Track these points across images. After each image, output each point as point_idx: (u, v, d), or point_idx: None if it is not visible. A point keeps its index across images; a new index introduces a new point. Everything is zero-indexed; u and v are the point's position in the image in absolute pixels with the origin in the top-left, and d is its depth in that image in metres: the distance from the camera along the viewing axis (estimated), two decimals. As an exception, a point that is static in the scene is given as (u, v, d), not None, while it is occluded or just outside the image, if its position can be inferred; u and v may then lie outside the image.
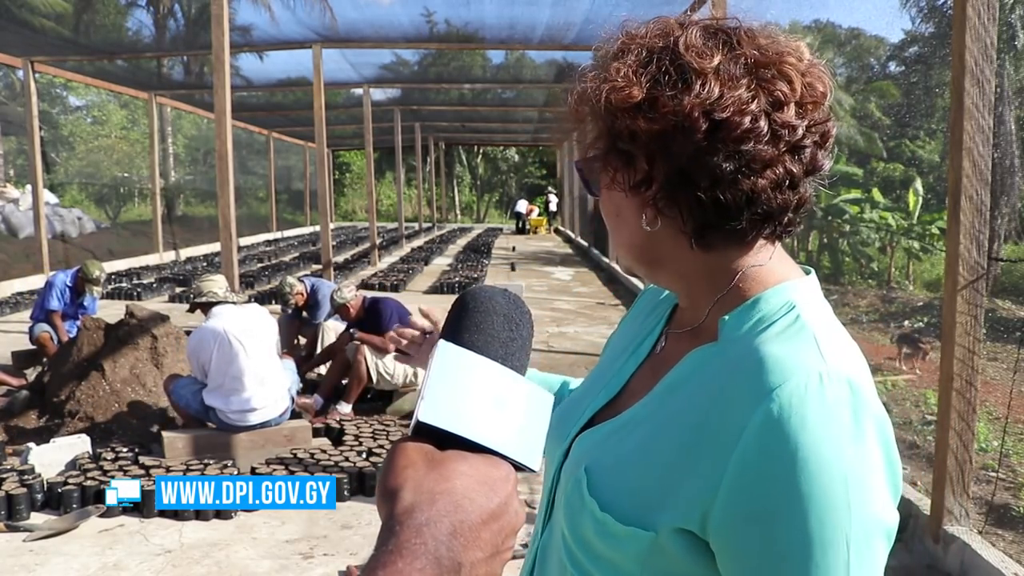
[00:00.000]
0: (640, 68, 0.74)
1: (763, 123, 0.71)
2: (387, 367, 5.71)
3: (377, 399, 5.97)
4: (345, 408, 5.63)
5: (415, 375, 5.83)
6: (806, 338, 0.71)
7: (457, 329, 0.61)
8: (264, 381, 4.69)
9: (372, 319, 5.84)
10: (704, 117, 0.71)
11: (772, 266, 0.79)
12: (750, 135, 0.71)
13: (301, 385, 5.75)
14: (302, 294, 6.78)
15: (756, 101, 0.71)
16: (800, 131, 0.73)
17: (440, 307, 1.18)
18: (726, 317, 0.77)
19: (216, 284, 4.87)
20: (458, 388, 0.56)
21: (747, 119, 0.71)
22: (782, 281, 0.78)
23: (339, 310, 5.95)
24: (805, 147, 0.74)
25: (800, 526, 0.64)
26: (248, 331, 4.68)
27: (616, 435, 0.79)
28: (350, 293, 5.90)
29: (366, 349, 5.67)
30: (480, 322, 0.61)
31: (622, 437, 0.78)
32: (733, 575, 0.69)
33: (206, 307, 4.80)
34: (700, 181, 0.73)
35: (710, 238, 0.76)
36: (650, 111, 0.72)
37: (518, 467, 0.57)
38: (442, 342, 0.59)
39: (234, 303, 4.86)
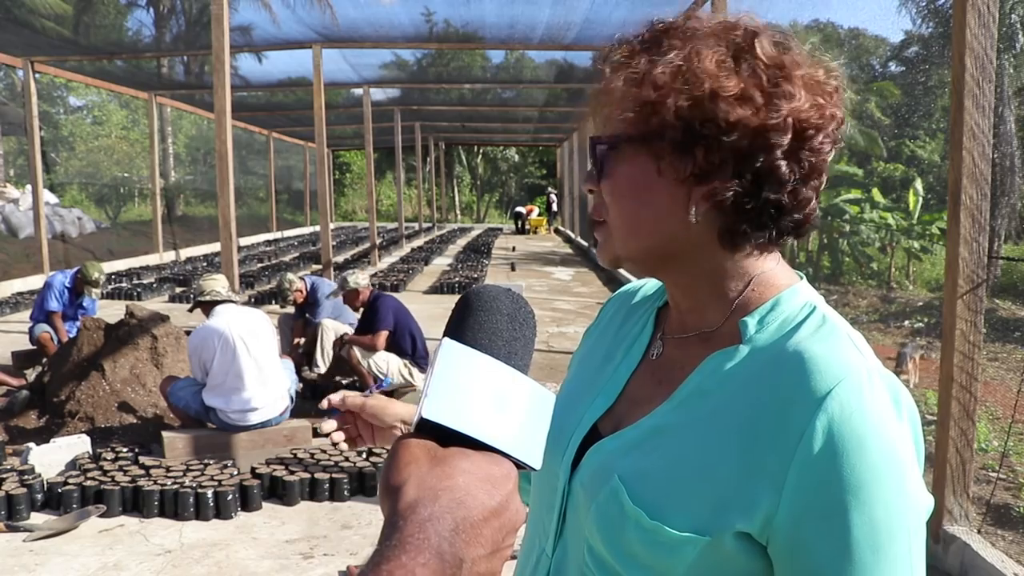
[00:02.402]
0: (731, 61, 0.74)
1: (827, 139, 0.77)
2: (379, 366, 5.72)
3: (377, 399, 5.98)
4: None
5: (410, 375, 5.85)
6: (842, 337, 0.74)
7: (461, 328, 0.61)
8: (265, 381, 4.69)
9: (370, 314, 5.87)
10: (793, 125, 0.73)
11: (779, 269, 0.82)
12: (819, 148, 0.76)
13: (300, 385, 5.76)
14: (301, 291, 6.78)
15: (829, 118, 0.77)
16: (829, 149, 0.78)
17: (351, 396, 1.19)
18: (746, 319, 0.78)
19: (218, 283, 4.89)
20: (461, 386, 0.56)
21: (821, 134, 0.75)
22: (791, 284, 0.81)
23: (348, 295, 6.00)
24: (826, 162, 0.79)
25: (870, 519, 0.67)
26: (251, 331, 4.70)
27: (647, 443, 0.77)
28: (365, 280, 5.95)
29: (356, 350, 5.71)
30: (484, 321, 0.61)
31: (655, 445, 0.77)
32: (804, 572, 0.69)
33: (208, 306, 4.81)
34: (768, 184, 0.75)
35: (749, 239, 0.78)
36: (749, 106, 0.73)
37: (520, 465, 0.58)
38: (447, 340, 0.59)
39: (236, 303, 4.88)
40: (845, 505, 0.67)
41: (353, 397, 1.17)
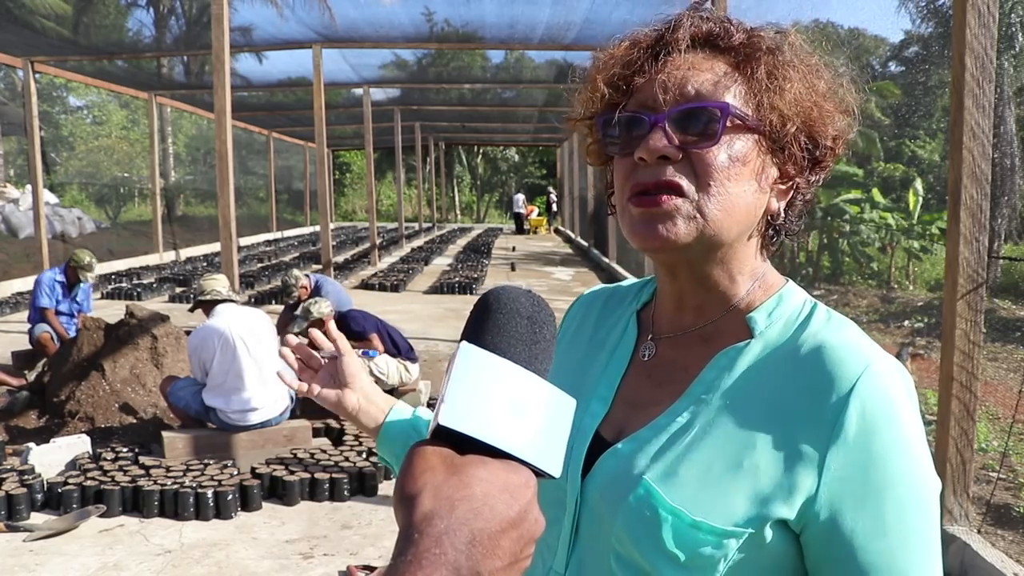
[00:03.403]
0: (834, 84, 0.81)
1: None
2: (380, 368, 5.72)
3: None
4: None
5: (408, 372, 5.85)
6: (853, 328, 0.78)
7: (480, 331, 0.59)
8: (265, 381, 4.69)
9: (346, 329, 5.80)
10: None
11: (771, 269, 0.85)
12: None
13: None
14: (306, 288, 6.82)
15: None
16: None
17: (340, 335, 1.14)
18: (754, 315, 0.80)
19: (219, 283, 4.89)
20: (480, 391, 0.55)
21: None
22: (784, 282, 0.84)
23: (313, 325, 5.82)
24: None
25: (900, 497, 0.71)
26: (251, 331, 4.70)
27: (673, 444, 0.77)
28: (327, 308, 5.84)
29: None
30: (503, 324, 0.59)
31: (681, 444, 0.76)
32: (837, 555, 0.72)
33: (208, 306, 4.81)
34: (812, 190, 0.83)
35: (776, 242, 0.84)
36: (841, 122, 0.80)
37: (538, 473, 0.56)
38: (465, 344, 0.57)
39: (236, 302, 4.89)
40: (878, 485, 0.70)
41: (345, 343, 1.13)
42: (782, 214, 0.81)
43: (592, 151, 0.85)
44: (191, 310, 5.10)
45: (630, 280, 0.99)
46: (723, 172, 0.75)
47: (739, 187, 0.76)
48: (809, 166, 0.80)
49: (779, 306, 0.81)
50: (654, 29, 0.80)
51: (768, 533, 0.72)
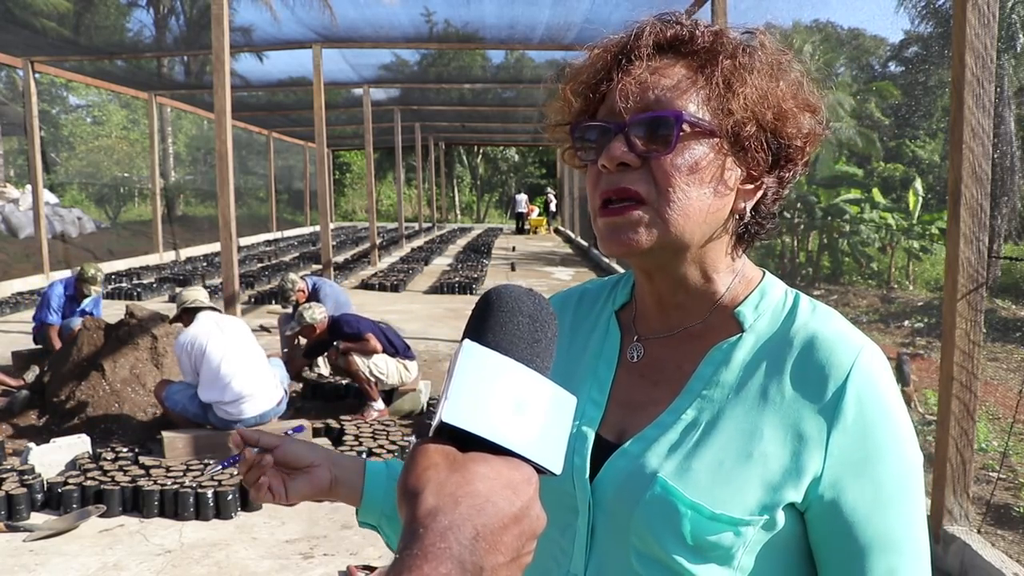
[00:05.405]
0: (798, 82, 0.82)
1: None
2: (379, 368, 5.70)
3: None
4: (380, 405, 5.69)
5: (407, 371, 5.84)
6: (838, 317, 0.82)
7: (482, 329, 0.59)
8: (255, 371, 4.77)
9: (341, 332, 5.74)
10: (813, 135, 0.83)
11: (749, 264, 0.87)
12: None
13: (291, 380, 5.77)
14: (303, 291, 6.80)
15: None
16: None
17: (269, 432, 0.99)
18: (741, 310, 0.83)
19: (199, 293, 5.00)
20: (482, 389, 0.55)
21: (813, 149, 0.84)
22: (761, 275, 0.87)
23: (305, 330, 5.75)
24: None
25: (894, 471, 0.76)
26: (234, 331, 4.84)
27: (682, 439, 0.79)
28: (320, 314, 5.79)
29: (354, 357, 5.65)
30: (505, 322, 0.59)
31: (690, 439, 0.78)
32: (839, 529, 0.76)
33: (190, 316, 4.88)
34: (785, 187, 0.84)
35: (751, 241, 0.85)
36: (806, 120, 0.81)
37: (540, 470, 0.57)
38: (467, 342, 0.58)
39: (218, 311, 5.01)
40: (874, 461, 0.75)
41: (268, 435, 1.00)
42: (748, 214, 0.82)
43: (569, 155, 0.87)
44: (171, 322, 5.13)
45: (597, 280, 1.00)
46: (680, 178, 0.76)
47: (698, 191, 0.77)
48: (779, 165, 0.81)
49: (763, 299, 0.83)
50: (621, 36, 0.81)
51: (780, 516, 0.76)
